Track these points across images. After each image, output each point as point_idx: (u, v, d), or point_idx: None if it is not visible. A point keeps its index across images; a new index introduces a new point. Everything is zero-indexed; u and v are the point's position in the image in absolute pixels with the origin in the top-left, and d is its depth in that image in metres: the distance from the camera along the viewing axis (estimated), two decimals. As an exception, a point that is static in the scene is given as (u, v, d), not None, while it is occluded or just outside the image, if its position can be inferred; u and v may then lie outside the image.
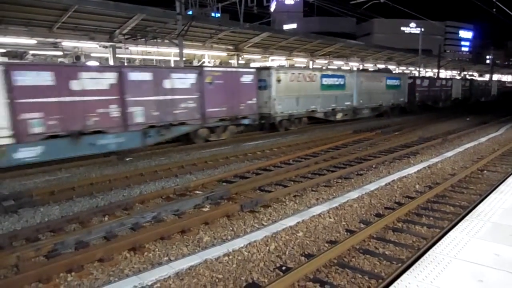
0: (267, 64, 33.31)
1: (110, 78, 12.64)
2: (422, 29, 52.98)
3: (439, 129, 20.46)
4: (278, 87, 18.89)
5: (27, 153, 10.85)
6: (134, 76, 13.31)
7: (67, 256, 5.45)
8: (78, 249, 5.85)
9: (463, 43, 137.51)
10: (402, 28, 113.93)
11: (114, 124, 12.71)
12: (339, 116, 23.35)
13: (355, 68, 39.47)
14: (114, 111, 12.71)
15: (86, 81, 12.00)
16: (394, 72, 37.45)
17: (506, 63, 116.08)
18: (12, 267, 5.27)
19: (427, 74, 54.09)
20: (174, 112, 14.46)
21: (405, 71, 50.44)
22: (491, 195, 6.34)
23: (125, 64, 23.83)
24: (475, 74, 68.44)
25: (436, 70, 49.13)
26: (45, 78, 11.14)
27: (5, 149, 10.41)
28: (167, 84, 14.28)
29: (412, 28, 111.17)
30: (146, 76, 13.69)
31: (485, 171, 10.71)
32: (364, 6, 21.92)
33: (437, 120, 25.22)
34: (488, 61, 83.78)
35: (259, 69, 19.25)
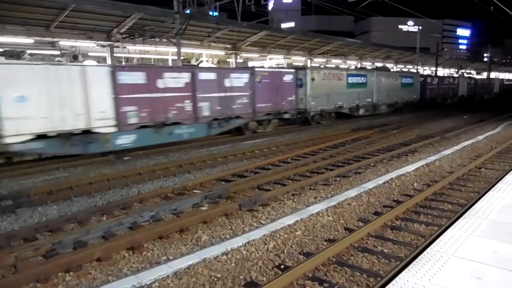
0: (265, 62, 33.32)
1: (185, 77, 14.90)
2: (420, 27, 53.03)
3: (437, 127, 20.49)
4: (313, 85, 20.98)
5: (125, 140, 13.10)
6: (203, 76, 15.60)
7: (65, 256, 5.44)
8: (76, 248, 5.84)
9: (460, 41, 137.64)
10: (400, 26, 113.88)
11: (188, 116, 15.00)
12: (361, 111, 25.47)
13: (352, 66, 39.52)
14: (188, 105, 15.00)
15: (168, 80, 14.28)
16: (408, 71, 40.92)
17: (504, 60, 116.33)
18: (10, 267, 5.26)
19: (425, 72, 54.14)
20: (232, 107, 16.85)
21: (403, 69, 50.51)
22: (489, 192, 6.36)
23: (123, 63, 23.80)
24: (473, 72, 68.56)
25: (434, 68, 49.19)
26: (140, 78, 13.45)
27: (110, 137, 12.62)
28: (227, 82, 16.54)
29: (409, 26, 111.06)
30: (211, 76, 16.02)
31: (483, 169, 10.73)
32: (361, 4, 21.95)
33: (434, 118, 25.26)
34: (485, 59, 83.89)
35: (297, 69, 21.12)
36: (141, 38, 21.28)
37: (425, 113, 28.88)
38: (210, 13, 22.38)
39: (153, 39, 22.01)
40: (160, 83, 13.95)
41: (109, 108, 12.48)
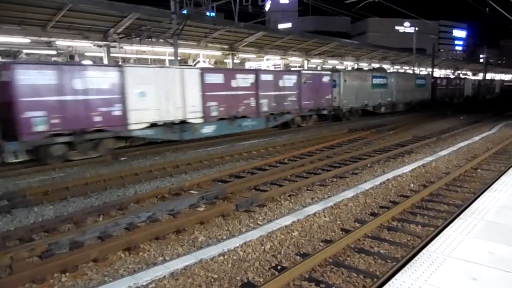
0: (262, 63, 33.35)
1: (251, 78, 18.11)
2: (416, 28, 53.29)
3: (433, 128, 20.56)
4: (345, 86, 24.40)
5: (208, 130, 16.22)
6: (264, 77, 18.87)
7: (61, 257, 5.42)
8: (72, 249, 5.82)
9: (456, 42, 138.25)
10: (396, 27, 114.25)
11: (252, 111, 18.21)
12: (382, 109, 28.69)
13: (349, 67, 39.58)
14: (252, 102, 18.17)
15: (240, 80, 17.54)
16: (421, 73, 45.33)
17: (500, 62, 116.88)
18: (6, 267, 5.23)
19: (422, 73, 54.34)
20: (284, 104, 20.05)
21: (400, 70, 50.68)
22: (485, 193, 6.39)
23: (120, 63, 23.73)
24: (469, 73, 68.91)
25: (430, 69, 49.38)
26: (219, 78, 16.66)
27: (198, 126, 15.79)
28: (281, 83, 19.78)
29: (406, 27, 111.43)
30: (270, 77, 19.30)
31: (478, 170, 10.77)
32: (358, 5, 22.03)
33: (431, 119, 25.35)
34: (481, 60, 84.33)
35: (333, 72, 24.37)
36: (138, 38, 21.23)
37: (422, 114, 29.02)
38: (207, 13, 22.40)
39: (150, 39, 21.98)
40: (234, 83, 17.22)
41: (198, 103, 15.73)
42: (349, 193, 8.42)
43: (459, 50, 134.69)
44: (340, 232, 6.44)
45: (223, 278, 4.93)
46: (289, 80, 20.30)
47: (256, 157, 13.13)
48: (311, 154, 13.29)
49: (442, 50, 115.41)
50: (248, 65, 34.68)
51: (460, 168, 10.64)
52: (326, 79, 22.97)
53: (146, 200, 8.45)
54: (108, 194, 8.95)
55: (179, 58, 21.76)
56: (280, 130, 19.64)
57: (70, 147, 12.12)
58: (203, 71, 16.13)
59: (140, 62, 26.35)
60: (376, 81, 27.72)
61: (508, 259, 3.88)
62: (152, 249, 5.89)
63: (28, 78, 11.08)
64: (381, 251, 5.70)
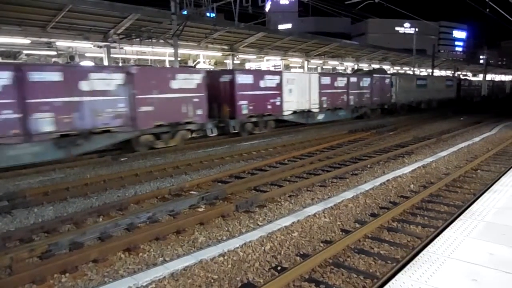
0: (262, 64, 33.35)
1: (345, 80, 24.56)
2: (416, 29, 53.32)
3: (433, 128, 20.57)
4: (399, 86, 30.43)
5: (320, 117, 22.46)
6: (352, 79, 25.09)
7: (61, 257, 5.42)
8: (72, 250, 5.82)
9: (457, 43, 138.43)
10: (397, 28, 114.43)
11: (344, 105, 24.44)
12: (423, 105, 34.60)
13: (349, 68, 39.59)
14: (345, 98, 24.48)
15: (339, 82, 23.90)
16: (449, 76, 53.29)
17: (500, 63, 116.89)
18: (6, 268, 5.23)
19: (421, 74, 54.47)
20: (363, 99, 26.13)
21: (400, 71, 50.71)
22: (485, 194, 6.39)
23: (120, 63, 23.76)
24: (469, 74, 69.04)
25: (430, 70, 49.42)
26: (328, 80, 23.11)
27: (316, 114, 22.01)
28: (361, 84, 25.94)
29: (406, 28, 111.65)
30: (355, 79, 25.50)
31: (479, 171, 10.77)
32: (358, 6, 22.03)
33: (431, 120, 25.37)
34: (481, 61, 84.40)
35: (392, 75, 30.92)
36: (138, 39, 21.25)
37: (422, 115, 29.08)
38: (207, 14, 22.42)
39: (150, 40, 22.00)
40: (336, 84, 23.71)
41: (317, 98, 21.99)
42: (349, 194, 8.41)
43: (459, 51, 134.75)
44: (340, 233, 6.44)
45: (223, 278, 4.92)
46: (366, 82, 26.44)
47: (256, 158, 13.13)
48: (311, 155, 13.30)
49: (442, 51, 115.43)
50: (247, 65, 34.70)
51: (460, 169, 10.64)
52: (387, 81, 29.27)
53: (146, 200, 8.45)
54: (108, 195, 8.94)
55: (179, 59, 21.77)
56: (280, 131, 19.61)
57: (254, 125, 18.69)
58: (320, 75, 22.80)
59: (140, 62, 26.37)
60: (419, 82, 34.31)
61: (509, 260, 3.88)
62: (152, 250, 5.89)
63: (241, 80, 17.69)
64: (381, 252, 5.70)
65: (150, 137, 14.21)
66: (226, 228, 6.74)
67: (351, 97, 24.80)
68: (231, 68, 28.88)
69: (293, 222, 6.73)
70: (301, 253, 5.65)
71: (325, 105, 22.58)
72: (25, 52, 20.53)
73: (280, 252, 5.69)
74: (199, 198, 8.06)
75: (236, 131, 17.46)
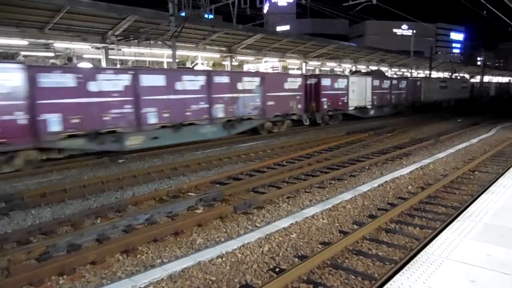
0: (260, 65, 33.37)
1: (388, 82, 30.13)
2: (414, 31, 53.38)
3: (431, 130, 20.62)
4: (426, 87, 36.06)
5: (371, 112, 27.29)
6: (393, 82, 30.88)
7: (59, 259, 5.40)
8: (70, 251, 5.80)
9: (454, 45, 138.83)
10: (394, 30, 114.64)
11: (388, 103, 29.79)
12: (444, 104, 39.73)
13: (347, 70, 39.65)
14: (388, 97, 29.97)
15: (384, 84, 29.25)
16: (465, 78, 59.86)
17: (497, 64, 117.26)
18: (3, 270, 5.21)
19: (419, 76, 54.71)
20: (400, 98, 31.43)
21: (397, 73, 50.84)
22: (483, 195, 6.40)
23: (117, 65, 23.77)
24: (466, 75, 69.25)
25: (427, 72, 49.57)
26: (378, 82, 28.49)
27: (369, 110, 27.10)
28: (400, 85, 31.69)
29: (404, 30, 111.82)
30: (395, 81, 31.41)
31: (476, 172, 10.79)
32: (356, 8, 22.03)
33: (429, 121, 25.43)
34: (479, 63, 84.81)
35: (421, 78, 38.10)
36: (136, 40, 21.24)
37: (419, 116, 29.19)
38: (206, 15, 22.43)
39: (148, 42, 21.98)
40: (382, 85, 28.96)
41: (370, 97, 27.19)
42: (347, 195, 8.42)
43: (456, 53, 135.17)
44: (338, 234, 6.44)
45: (221, 280, 4.92)
46: (403, 83, 32.15)
47: (254, 159, 13.13)
48: (309, 156, 13.30)
49: (440, 53, 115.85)
50: (246, 67, 34.73)
51: (458, 170, 10.66)
52: (418, 83, 35.29)
53: (144, 202, 8.44)
54: (106, 196, 8.93)
55: (177, 60, 21.76)
56: (278, 132, 19.63)
57: (330, 117, 23.70)
58: (373, 78, 27.67)
59: (138, 64, 26.35)
60: (441, 84, 40.25)
61: (506, 262, 3.89)
62: (150, 251, 5.88)
63: (324, 82, 22.92)
64: (379, 253, 5.70)
65: (270, 124, 19.63)
66: (224, 230, 6.73)
67: (393, 96, 30.29)
68: (229, 69, 28.94)
69: (291, 224, 6.73)
70: (299, 254, 5.65)
71: (375, 103, 27.75)
72: (23, 53, 20.48)
73: (278, 253, 5.69)
74: (197, 200, 8.06)
75: (319, 122, 22.73)
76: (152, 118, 13.98)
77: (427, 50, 54.84)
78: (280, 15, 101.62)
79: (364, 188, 9.03)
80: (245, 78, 17.82)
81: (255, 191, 9.10)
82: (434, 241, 4.47)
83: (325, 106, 22.97)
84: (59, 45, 20.33)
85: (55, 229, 6.81)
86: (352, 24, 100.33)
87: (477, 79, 67.45)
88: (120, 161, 12.82)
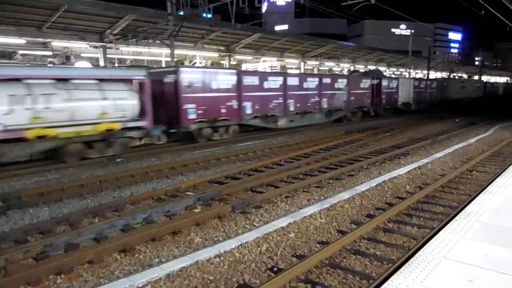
0: (258, 65, 33.35)
1: (424, 82, 37.42)
2: (412, 31, 53.47)
3: (429, 130, 20.65)
4: (449, 87, 42.36)
5: (413, 107, 33.32)
6: (428, 82, 37.99)
7: (56, 258, 5.39)
8: (67, 251, 5.79)
9: (452, 44, 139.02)
10: (393, 30, 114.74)
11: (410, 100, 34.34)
12: (463, 101, 44.31)
13: (346, 69, 39.68)
14: (425, 95, 37.18)
15: (422, 84, 36.22)
16: (479, 79, 66.14)
17: (494, 64, 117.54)
18: (1, 269, 5.19)
19: (417, 76, 54.91)
20: (432, 96, 37.49)
21: (396, 72, 50.89)
22: (480, 195, 6.41)
23: (116, 64, 23.75)
24: (464, 75, 69.48)
25: (426, 72, 49.65)
26: (416, 83, 35.31)
27: (411, 105, 33.25)
28: (432, 86, 38.11)
29: (402, 29, 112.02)
30: (434, 83, 39.37)
31: (474, 172, 10.82)
32: (355, 7, 22.07)
33: (426, 121, 25.45)
34: (477, 63, 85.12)
35: (445, 79, 46.65)
36: (134, 39, 21.21)
37: (418, 116, 29.21)
38: (204, 15, 22.39)
39: (146, 41, 21.96)
40: (420, 85, 35.11)
41: (412, 95, 32.69)
42: (345, 195, 8.43)
43: (454, 53, 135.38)
44: (336, 234, 6.44)
45: (219, 279, 4.92)
46: (435, 84, 39.28)
47: (252, 159, 13.13)
48: (308, 156, 13.31)
49: (438, 53, 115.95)
50: (244, 66, 34.71)
51: (455, 170, 10.68)
52: (444, 83, 41.99)
53: (142, 201, 8.43)
54: (103, 196, 8.91)
55: (175, 59, 21.73)
56: (278, 132, 19.62)
57: (385, 110, 29.41)
58: (414, 80, 35.60)
59: (137, 63, 26.30)
60: (461, 85, 47.52)
61: (504, 261, 3.90)
62: (148, 251, 5.87)
63: (384, 82, 29.39)
64: (377, 253, 5.71)
65: (350, 114, 25.81)
66: (222, 229, 6.73)
67: (427, 94, 36.49)
68: (227, 67, 28.91)
69: (289, 223, 6.73)
70: (297, 254, 5.66)
71: (415, 99, 33.57)
72: (21, 52, 20.44)
73: (276, 253, 5.69)
74: (195, 199, 8.05)
75: (380, 113, 28.52)
76: (291, 107, 20.63)
77: (425, 50, 55.04)
78: (278, 14, 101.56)
79: (362, 187, 9.04)
80: (339, 79, 24.62)
81: (253, 191, 9.10)
82: (431, 241, 4.47)
83: (384, 102, 29.30)
84: (57, 44, 20.29)
85: (53, 228, 6.79)
86: (351, 24, 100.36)
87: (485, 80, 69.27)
88: (118, 160, 12.79)
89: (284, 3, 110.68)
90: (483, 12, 23.57)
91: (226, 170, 11.33)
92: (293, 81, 20.59)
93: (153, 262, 5.49)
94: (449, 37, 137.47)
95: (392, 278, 3.62)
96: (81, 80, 12.29)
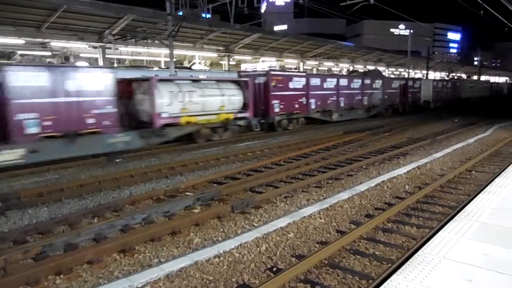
0: (257, 65, 33.36)
1: (447, 82, 43.15)
2: (411, 31, 53.51)
3: (428, 130, 20.66)
4: (461, 87, 45.47)
5: (432, 105, 36.57)
6: (434, 83, 38.15)
7: (55, 258, 5.39)
8: (67, 251, 5.78)
9: (451, 44, 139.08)
10: (392, 30, 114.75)
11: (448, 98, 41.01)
12: (472, 100, 46.81)
13: (345, 69, 39.68)
14: (448, 94, 41.86)
15: (438, 84, 39.41)
16: (486, 80, 70.07)
17: (493, 64, 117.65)
18: (0, 269, 5.19)
19: (416, 76, 55.01)
20: (447, 95, 40.73)
21: (395, 72, 50.91)
22: (479, 195, 6.42)
23: (115, 64, 23.70)
24: (463, 75, 69.62)
25: (425, 71, 49.68)
26: (436, 83, 39.92)
27: (430, 103, 36.24)
28: (439, 84, 40.49)
29: (401, 29, 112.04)
30: (436, 83, 39.03)
31: (473, 172, 10.83)
32: (354, 7, 22.05)
33: (426, 121, 25.47)
34: (476, 63, 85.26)
35: (457, 80, 50.17)
36: (133, 39, 21.19)
37: (417, 116, 29.25)
38: (203, 15, 22.40)
39: (145, 41, 21.94)
40: (439, 85, 39.09)
41: (431, 94, 36.16)
42: (344, 195, 8.43)
43: (453, 53, 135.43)
44: (336, 234, 6.45)
45: (218, 279, 4.92)
46: (449, 84, 42.23)
47: (251, 159, 13.12)
48: (307, 156, 13.31)
49: (437, 53, 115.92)
50: (243, 67, 34.71)
51: (454, 170, 10.69)
52: (457, 84, 44.96)
53: (141, 201, 8.42)
54: (103, 196, 8.90)
55: (174, 59, 21.72)
56: (277, 132, 19.62)
57: (410, 107, 32.75)
58: (433, 81, 38.04)
59: (135, 63, 26.28)
60: (470, 85, 50.42)
61: (503, 261, 3.90)
62: (147, 251, 5.87)
63: (410, 83, 33.03)
64: (377, 253, 5.71)
65: (383, 111, 29.43)
66: (222, 229, 6.73)
67: (443, 94, 39.49)
68: (227, 69, 28.95)
69: (288, 223, 6.73)
70: (297, 254, 5.66)
71: (434, 98, 36.77)
72: (19, 52, 20.42)
73: (275, 253, 5.69)
74: (194, 199, 8.05)
75: (407, 111, 32.18)
76: (342, 103, 24.61)
77: (424, 50, 55.00)
78: (277, 14, 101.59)
79: (362, 187, 9.05)
80: (377, 81, 28.43)
81: (252, 191, 9.10)
82: (431, 241, 4.47)
83: (409, 100, 32.70)
84: (56, 44, 20.27)
85: (52, 228, 6.79)
86: (350, 24, 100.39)
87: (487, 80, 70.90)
88: (117, 160, 12.79)
89: (283, 3, 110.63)
90: (482, 12, 23.58)
91: (225, 170, 11.33)
92: (343, 82, 24.99)
93: (152, 262, 5.49)
94: (448, 37, 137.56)
95: (392, 278, 3.62)
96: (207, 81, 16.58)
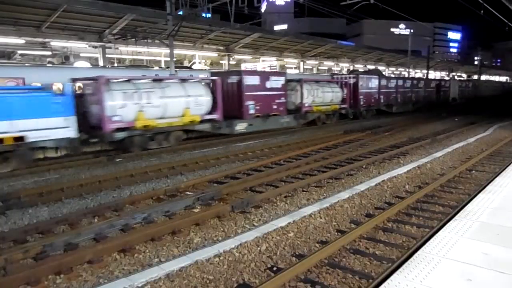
0: (258, 65, 33.35)
1: (470, 82, 55.63)
2: (411, 31, 53.49)
3: (428, 129, 20.64)
4: (478, 86, 54.09)
5: (457, 101, 44.15)
6: (460, 83, 48.40)
7: (56, 258, 5.40)
8: (67, 251, 5.79)
9: (451, 44, 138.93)
10: (392, 29, 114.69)
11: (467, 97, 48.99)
12: (488, 98, 50.81)
13: (345, 69, 39.63)
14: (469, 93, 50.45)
15: (455, 85, 46.13)
16: (498, 80, 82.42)
17: (494, 63, 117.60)
18: (0, 269, 5.19)
19: (416, 75, 55.04)
20: (463, 93, 46.80)
21: (395, 72, 50.92)
22: (480, 194, 6.42)
23: (115, 64, 23.70)
24: (464, 75, 69.68)
25: (425, 71, 49.67)
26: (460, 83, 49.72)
27: (456, 99, 44.69)
28: (462, 84, 49.91)
29: (401, 29, 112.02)
30: (460, 83, 49.34)
31: (473, 171, 10.82)
32: (354, 7, 22.05)
33: (426, 121, 25.45)
34: (476, 62, 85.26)
35: (471, 80, 61.25)
36: (134, 39, 21.19)
37: (417, 116, 29.22)
38: (203, 14, 22.37)
39: (145, 40, 21.94)
40: (463, 85, 49.25)
41: (457, 92, 44.49)
42: (344, 194, 8.43)
43: (453, 52, 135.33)
44: (336, 233, 6.45)
45: (218, 279, 4.92)
46: (465, 83, 47.84)
47: (251, 158, 13.12)
48: (307, 156, 13.30)
49: (437, 52, 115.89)
50: (243, 66, 34.71)
51: (455, 169, 10.69)
52: (476, 83, 49.84)
53: (142, 201, 8.42)
54: (103, 196, 8.91)
55: (174, 59, 21.72)
56: (277, 132, 19.60)
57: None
58: (459, 80, 51.43)
59: (136, 63, 26.28)
60: (485, 84, 59.69)
61: (503, 261, 3.90)
62: (147, 251, 5.87)
63: (443, 83, 42.99)
64: (377, 252, 5.71)
65: (423, 106, 34.71)
66: (222, 229, 6.73)
67: (466, 91, 46.22)
68: (227, 68, 28.95)
69: (288, 223, 6.73)
70: (297, 253, 5.66)
71: (459, 95, 43.72)
72: (20, 52, 20.42)
73: (275, 252, 5.69)
74: (194, 199, 8.05)
75: (437, 106, 36.93)
76: (399, 99, 31.30)
77: (425, 49, 55.07)
78: (277, 14, 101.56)
79: (362, 187, 9.04)
80: (421, 80, 35.91)
81: (252, 190, 9.10)
82: (431, 240, 4.48)
83: (441, 97, 39.70)
84: (56, 43, 20.27)
85: (52, 228, 6.80)
86: (350, 23, 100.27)
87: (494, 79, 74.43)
88: (117, 160, 12.79)
89: (283, 3, 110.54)
90: (482, 11, 23.57)
91: (225, 169, 11.32)
92: (400, 82, 32.08)
93: (152, 262, 5.49)
94: (448, 37, 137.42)
95: (392, 277, 3.62)
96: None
